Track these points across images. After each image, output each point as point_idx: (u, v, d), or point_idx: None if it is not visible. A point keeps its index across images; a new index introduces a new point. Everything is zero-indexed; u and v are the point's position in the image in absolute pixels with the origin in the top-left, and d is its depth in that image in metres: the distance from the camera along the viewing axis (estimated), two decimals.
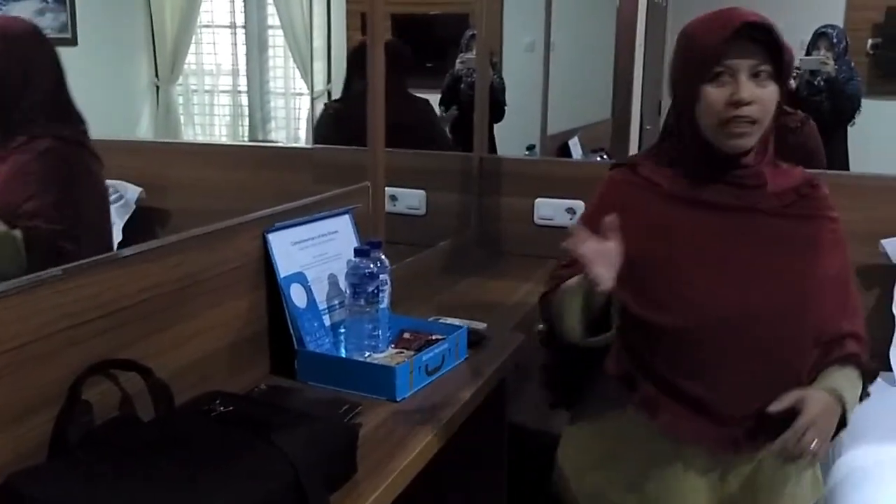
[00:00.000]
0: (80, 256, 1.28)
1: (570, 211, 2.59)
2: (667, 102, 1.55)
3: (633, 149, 3.52)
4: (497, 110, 3.21)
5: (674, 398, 1.36)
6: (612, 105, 3.58)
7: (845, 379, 1.37)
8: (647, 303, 1.37)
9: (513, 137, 3.17)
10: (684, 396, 1.35)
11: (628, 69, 3.50)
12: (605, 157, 3.32)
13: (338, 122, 2.77)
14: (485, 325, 1.86)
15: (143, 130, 4.30)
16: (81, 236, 1.51)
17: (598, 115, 3.64)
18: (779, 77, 1.34)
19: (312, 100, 4.38)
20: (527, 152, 3.12)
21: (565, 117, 3.37)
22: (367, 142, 1.99)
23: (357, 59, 2.97)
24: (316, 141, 1.93)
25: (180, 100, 4.46)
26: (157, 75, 4.33)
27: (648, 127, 3.66)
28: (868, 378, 1.42)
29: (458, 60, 3.26)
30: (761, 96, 1.32)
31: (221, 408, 1.21)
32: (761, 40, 1.31)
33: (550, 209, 2.63)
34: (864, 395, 1.42)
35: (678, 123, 1.42)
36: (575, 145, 3.29)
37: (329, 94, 4.41)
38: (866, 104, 3.86)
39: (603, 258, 1.24)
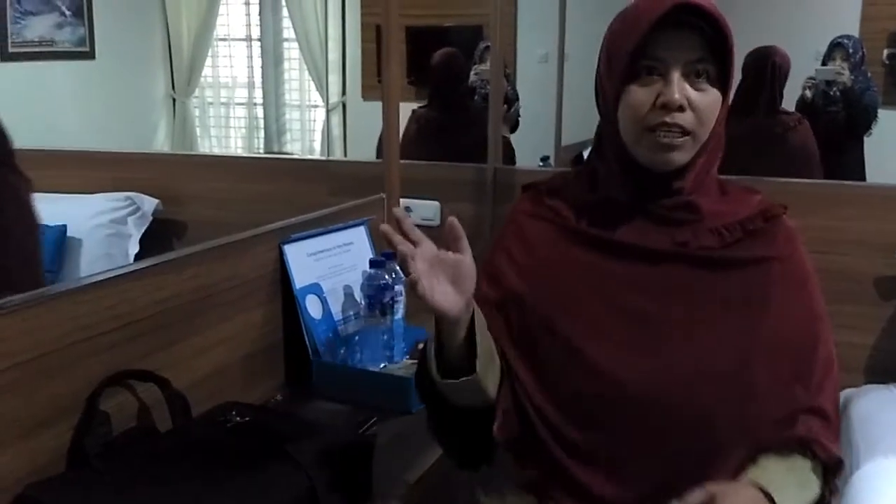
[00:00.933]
0: (8, 286, 1.16)
1: None
2: None
3: None
4: (511, 122, 3.22)
5: (564, 486, 1.06)
6: None
7: (786, 472, 1.03)
8: (536, 363, 1.09)
9: (528, 148, 3.18)
10: (576, 485, 1.05)
11: None
12: None
13: (432, 134, 2.81)
14: None
15: (160, 143, 4.34)
16: (10, 265, 1.36)
17: None
18: (722, 82, 1.05)
19: (328, 111, 4.42)
20: (541, 163, 3.12)
21: (579, 128, 3.37)
22: (383, 153, 2.00)
23: (445, 69, 3.02)
24: (404, 153, 1.95)
25: (196, 112, 4.51)
26: (173, 88, 4.38)
27: None
28: (832, 472, 1.06)
29: (472, 72, 3.27)
30: (697, 102, 1.03)
31: (238, 419, 1.22)
32: (702, 31, 1.02)
33: None
34: (825, 494, 1.06)
35: (601, 135, 1.14)
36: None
37: (344, 106, 4.44)
38: (882, 114, 3.85)
39: (437, 269, 0.97)
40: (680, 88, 1.02)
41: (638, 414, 1.02)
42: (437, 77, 3.07)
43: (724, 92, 1.05)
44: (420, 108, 3.04)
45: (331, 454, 1.15)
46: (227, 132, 4.65)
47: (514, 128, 3.29)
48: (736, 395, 1.02)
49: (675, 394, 1.02)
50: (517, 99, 3.39)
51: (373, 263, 1.63)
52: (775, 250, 1.09)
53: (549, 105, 3.28)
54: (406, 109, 2.58)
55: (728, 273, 1.07)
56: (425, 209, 2.26)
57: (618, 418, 1.03)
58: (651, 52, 1.02)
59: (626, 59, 1.02)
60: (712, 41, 1.02)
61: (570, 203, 1.14)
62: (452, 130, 2.94)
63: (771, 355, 1.04)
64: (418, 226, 0.99)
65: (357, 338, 1.66)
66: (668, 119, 1.02)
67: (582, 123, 3.51)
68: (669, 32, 1.01)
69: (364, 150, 3.49)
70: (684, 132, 1.03)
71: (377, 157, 2.43)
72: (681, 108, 1.02)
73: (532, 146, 3.23)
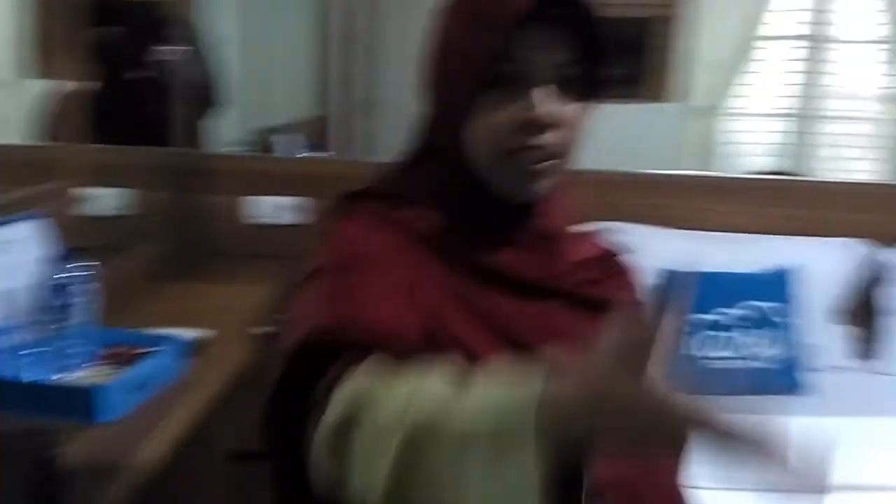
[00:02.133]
0: None
1: (283, 208, 2.52)
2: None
3: (347, 149, 3.53)
4: (206, 105, 3.04)
5: None
6: (321, 99, 3.55)
7: None
8: None
9: (220, 133, 3.04)
10: None
11: (334, 61, 3.49)
12: (318, 153, 3.28)
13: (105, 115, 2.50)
14: (203, 332, 1.74)
15: None
16: None
17: (307, 110, 3.59)
18: (594, 87, 0.86)
19: None
20: (236, 148, 3.00)
21: (272, 112, 3.28)
22: (48, 135, 1.77)
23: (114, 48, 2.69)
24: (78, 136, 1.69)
25: None
26: None
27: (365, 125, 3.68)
28: None
29: (159, 53, 3.05)
30: (568, 116, 0.84)
31: None
32: (572, 27, 0.83)
33: (262, 207, 2.55)
34: None
35: (437, 147, 0.90)
36: (284, 140, 3.21)
37: None
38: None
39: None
40: (549, 102, 0.82)
41: None
42: (111, 55, 2.82)
43: (594, 98, 0.87)
44: (91, 86, 2.77)
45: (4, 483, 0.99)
46: None
47: (211, 111, 3.12)
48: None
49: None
50: (213, 81, 3.22)
51: (45, 262, 1.45)
52: (633, 293, 0.98)
53: (241, 88, 3.15)
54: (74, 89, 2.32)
55: (599, 315, 0.82)
56: (110, 198, 2.05)
57: None
58: (512, 55, 0.81)
59: (481, 64, 0.81)
60: (584, 39, 0.83)
61: (426, 218, 0.89)
62: (132, 113, 2.72)
63: None
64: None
65: (30, 347, 1.46)
66: (533, 141, 0.83)
67: (276, 107, 3.42)
68: (533, 29, 0.81)
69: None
70: (552, 155, 0.84)
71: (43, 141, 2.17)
72: (549, 127, 0.82)
73: (225, 130, 3.09)
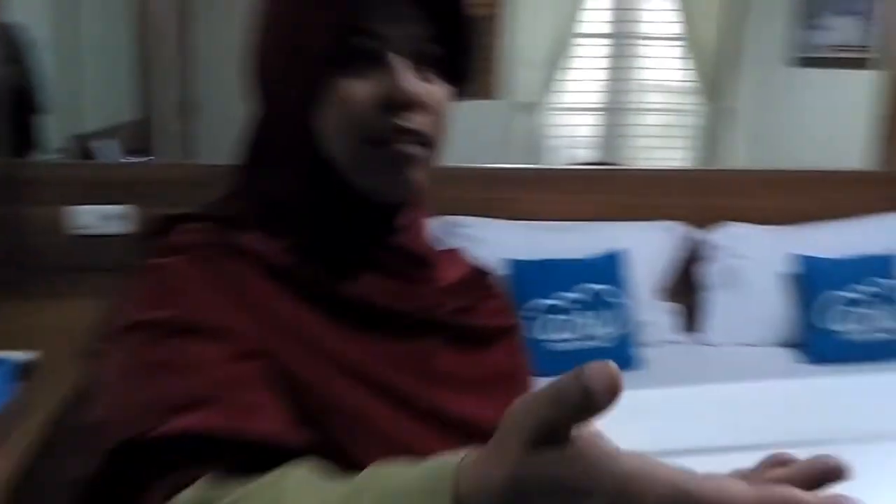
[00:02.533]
0: None
1: (109, 217, 2.38)
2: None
3: (169, 152, 3.39)
4: (25, 111, 2.82)
5: None
6: (141, 102, 3.39)
7: None
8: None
9: (40, 140, 2.83)
10: None
11: (153, 62, 3.34)
12: (141, 157, 3.13)
13: None
14: (32, 354, 1.62)
15: None
16: None
17: (127, 113, 3.42)
18: (460, 68, 0.75)
19: None
20: (55, 155, 2.80)
21: (91, 116, 3.10)
22: None
23: None
24: None
25: None
26: None
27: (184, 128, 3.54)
28: None
29: None
30: (434, 98, 0.72)
31: None
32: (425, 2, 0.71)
33: (86, 217, 2.39)
34: None
35: (280, 147, 0.74)
36: (104, 146, 3.04)
37: None
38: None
39: None
40: (412, 78, 0.70)
41: None
42: None
43: (458, 83, 0.75)
44: None
45: None
46: None
47: (30, 118, 2.89)
48: None
49: None
50: (31, 86, 2.98)
51: None
52: (510, 317, 0.85)
53: (57, 92, 2.95)
54: None
55: (483, 348, 0.79)
56: None
57: None
58: (365, 26, 0.69)
59: (330, 36, 0.68)
60: (442, 13, 0.72)
61: (271, 243, 0.73)
62: None
63: None
64: None
65: None
66: (400, 122, 0.69)
67: (96, 111, 3.23)
68: (385, 1, 0.70)
69: None
70: (422, 141, 0.71)
71: None
72: (417, 108, 0.70)
73: (45, 136, 2.88)
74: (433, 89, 0.72)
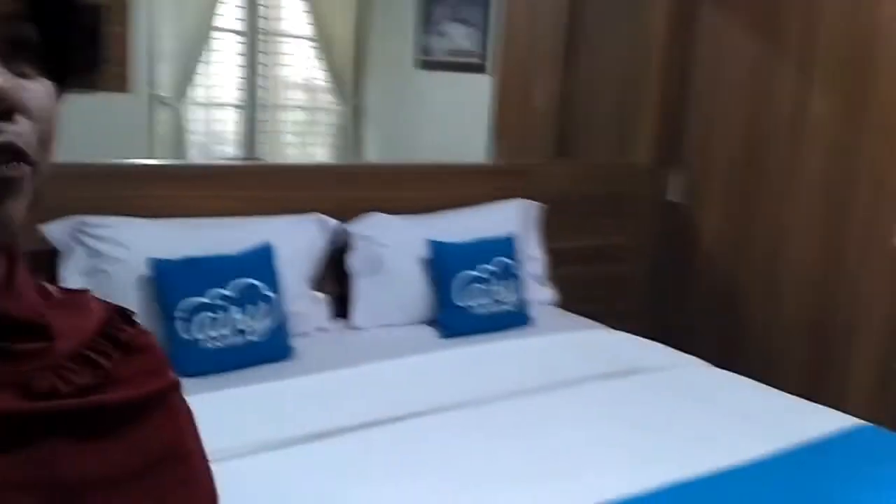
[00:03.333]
0: None
1: None
2: None
3: None
4: None
5: None
6: None
7: None
8: None
9: None
10: None
11: None
12: None
13: None
14: None
15: None
16: None
17: None
18: (67, 58, 0.57)
19: None
20: None
21: None
22: None
23: None
24: None
25: None
26: None
27: None
28: None
29: None
30: (33, 97, 0.53)
31: None
32: None
33: None
34: None
35: None
36: None
37: None
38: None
39: None
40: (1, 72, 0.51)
41: None
42: None
43: (62, 79, 0.57)
44: None
45: None
46: None
47: None
48: None
49: None
50: None
51: None
52: (163, 374, 0.65)
53: None
54: None
55: (132, 426, 0.60)
56: None
57: None
58: None
59: None
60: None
61: None
62: None
63: None
64: None
65: None
66: None
67: None
68: None
69: None
70: (21, 157, 0.52)
71: None
72: (7, 110, 0.51)
73: None
74: (30, 87, 0.53)
